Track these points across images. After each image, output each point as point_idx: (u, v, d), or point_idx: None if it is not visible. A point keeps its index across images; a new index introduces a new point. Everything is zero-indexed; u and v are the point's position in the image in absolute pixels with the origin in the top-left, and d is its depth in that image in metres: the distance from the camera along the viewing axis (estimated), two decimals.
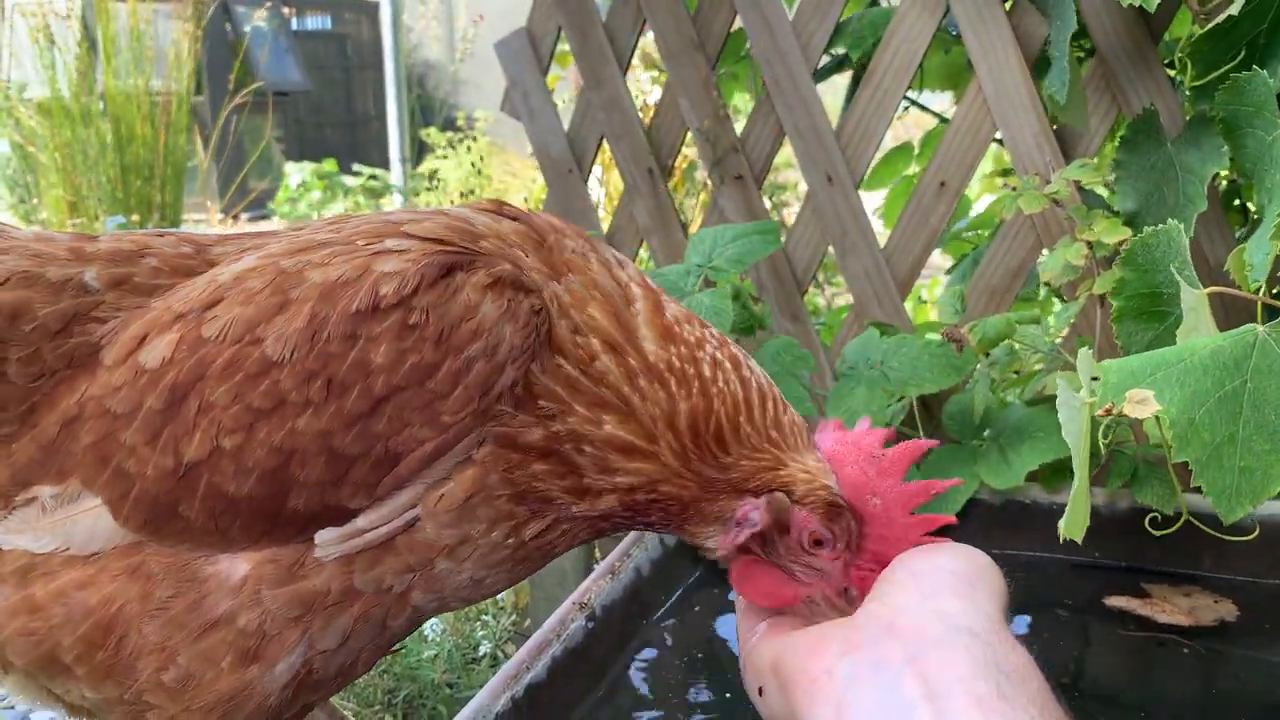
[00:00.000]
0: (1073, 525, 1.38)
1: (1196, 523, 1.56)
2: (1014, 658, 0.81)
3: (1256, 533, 1.55)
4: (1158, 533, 1.58)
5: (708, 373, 1.02)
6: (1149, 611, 1.74)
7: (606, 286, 1.04)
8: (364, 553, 0.98)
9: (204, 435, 0.95)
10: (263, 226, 8.95)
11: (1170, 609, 1.74)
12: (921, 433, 2.12)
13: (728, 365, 1.04)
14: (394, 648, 1.12)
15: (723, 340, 1.07)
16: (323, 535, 0.97)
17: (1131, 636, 1.70)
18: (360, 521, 0.97)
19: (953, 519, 1.03)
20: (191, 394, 0.95)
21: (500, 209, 1.10)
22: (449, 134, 9.15)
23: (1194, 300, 1.46)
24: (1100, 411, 1.32)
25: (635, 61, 2.87)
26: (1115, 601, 1.78)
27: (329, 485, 0.95)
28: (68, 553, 0.99)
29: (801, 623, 0.99)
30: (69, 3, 7.05)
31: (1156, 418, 1.33)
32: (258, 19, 11.17)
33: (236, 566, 0.98)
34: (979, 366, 1.88)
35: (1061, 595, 1.85)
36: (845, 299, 4.73)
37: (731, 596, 1.11)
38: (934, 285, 4.05)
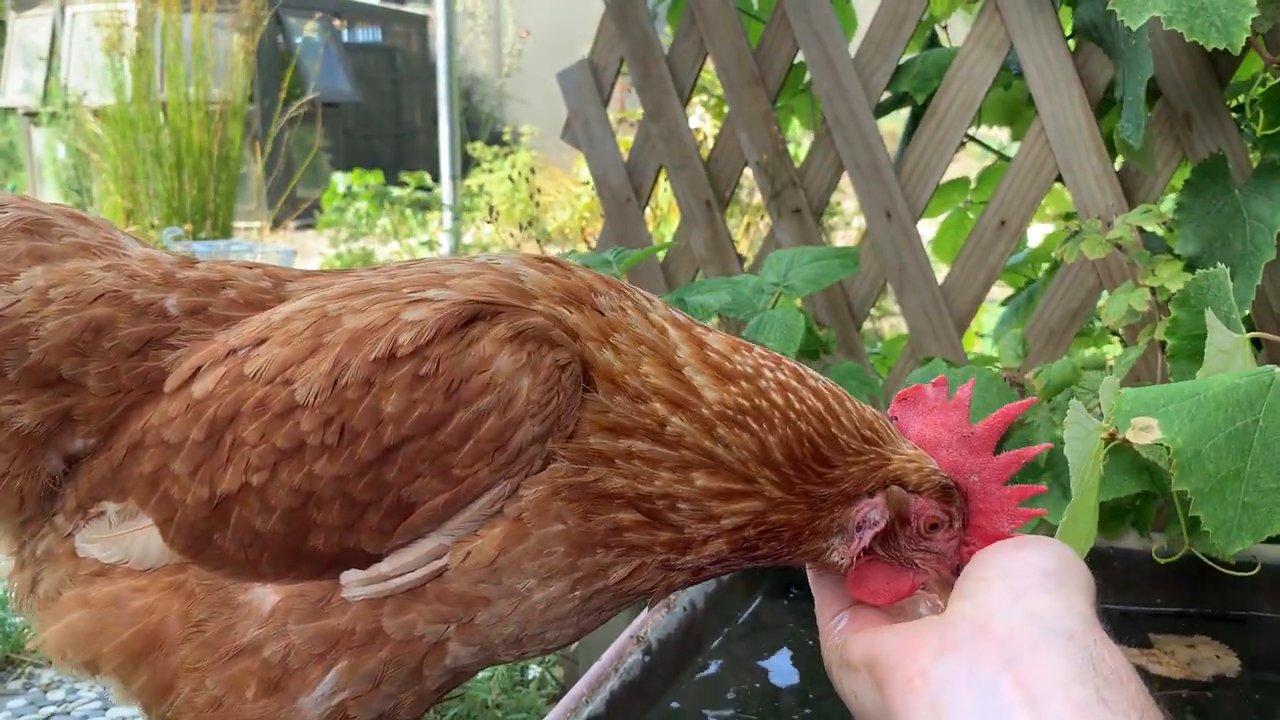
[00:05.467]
0: (1069, 540, 1.38)
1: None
2: (1111, 660, 0.79)
3: None
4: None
5: (780, 399, 0.99)
6: (1144, 662, 1.71)
7: (650, 338, 1.01)
8: (393, 597, 0.99)
9: (235, 470, 0.98)
10: (309, 235, 9.08)
11: (1168, 661, 1.71)
12: None
13: (793, 383, 1.01)
14: (443, 697, 1.11)
15: (775, 358, 1.05)
16: (347, 576, 0.99)
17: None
18: (383, 567, 0.98)
19: (1043, 488, 1.03)
20: (228, 429, 0.99)
21: (544, 263, 1.07)
22: (495, 148, 9.24)
23: (1231, 343, 1.46)
24: (1104, 435, 1.33)
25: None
26: None
27: (345, 530, 0.97)
28: (128, 565, 1.04)
29: (884, 615, 0.99)
30: (135, 8, 7.20)
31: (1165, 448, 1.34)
32: (309, 30, 11.34)
33: (267, 597, 1.00)
34: (1040, 411, 1.88)
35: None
36: (893, 326, 4.71)
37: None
38: (981, 312, 4.02)
